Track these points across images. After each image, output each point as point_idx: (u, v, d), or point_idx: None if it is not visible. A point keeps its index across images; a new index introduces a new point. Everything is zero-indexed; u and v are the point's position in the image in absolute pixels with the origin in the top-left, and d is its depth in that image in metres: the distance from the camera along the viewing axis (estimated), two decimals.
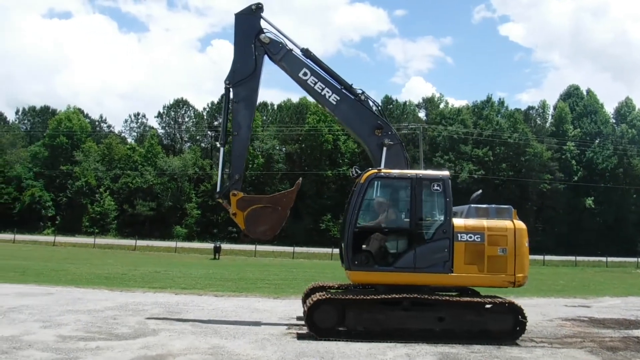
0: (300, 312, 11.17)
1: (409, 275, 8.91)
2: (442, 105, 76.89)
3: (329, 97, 10.02)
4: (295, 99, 74.42)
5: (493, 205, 9.62)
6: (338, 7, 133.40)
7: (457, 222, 9.15)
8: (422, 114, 76.85)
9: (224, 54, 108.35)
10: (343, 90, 10.09)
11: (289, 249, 41.82)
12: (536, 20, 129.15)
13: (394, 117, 65.08)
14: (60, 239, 47.28)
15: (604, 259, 45.79)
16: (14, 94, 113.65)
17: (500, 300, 9.04)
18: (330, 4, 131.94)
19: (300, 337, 8.82)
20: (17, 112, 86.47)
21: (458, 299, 9.00)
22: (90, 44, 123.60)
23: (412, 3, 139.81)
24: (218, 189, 10.06)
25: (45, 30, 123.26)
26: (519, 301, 9.54)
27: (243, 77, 10.04)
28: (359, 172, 9.70)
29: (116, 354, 7.27)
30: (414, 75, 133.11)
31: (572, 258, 44.95)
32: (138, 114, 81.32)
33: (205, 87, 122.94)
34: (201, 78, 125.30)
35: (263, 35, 10.10)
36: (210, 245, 40.86)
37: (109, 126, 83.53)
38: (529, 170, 64.69)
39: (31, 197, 63.23)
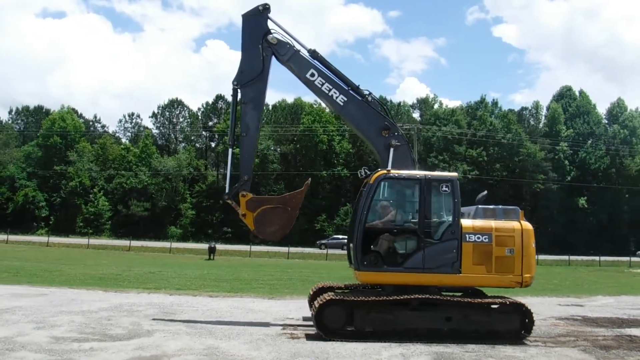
0: (299, 312, 11.25)
1: (418, 275, 8.95)
2: (436, 106, 77.38)
3: (337, 98, 9.98)
4: (290, 99, 74.68)
5: (500, 206, 9.68)
6: (332, 8, 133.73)
7: (465, 222, 9.20)
8: (416, 115, 77.29)
9: (218, 54, 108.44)
10: (350, 92, 10.04)
11: (284, 249, 41.65)
12: (529, 22, 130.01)
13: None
14: (54, 239, 46.81)
15: (597, 258, 45.95)
16: (7, 93, 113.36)
17: (510, 300, 9.07)
18: (325, 5, 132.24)
19: (294, 337, 8.83)
20: (10, 112, 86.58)
21: (469, 300, 9.00)
22: (84, 43, 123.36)
23: (406, 4, 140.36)
24: (227, 190, 10.00)
25: (39, 30, 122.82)
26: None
27: (251, 78, 9.97)
28: (368, 172, 9.70)
29: (110, 355, 7.24)
30: (408, 76, 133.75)
31: (566, 257, 45.09)
32: (132, 114, 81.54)
33: (200, 88, 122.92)
34: (196, 78, 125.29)
35: (270, 36, 10.03)
36: (204, 246, 40.78)
37: (103, 126, 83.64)
38: (522, 171, 65.09)
39: (24, 197, 62.93)
